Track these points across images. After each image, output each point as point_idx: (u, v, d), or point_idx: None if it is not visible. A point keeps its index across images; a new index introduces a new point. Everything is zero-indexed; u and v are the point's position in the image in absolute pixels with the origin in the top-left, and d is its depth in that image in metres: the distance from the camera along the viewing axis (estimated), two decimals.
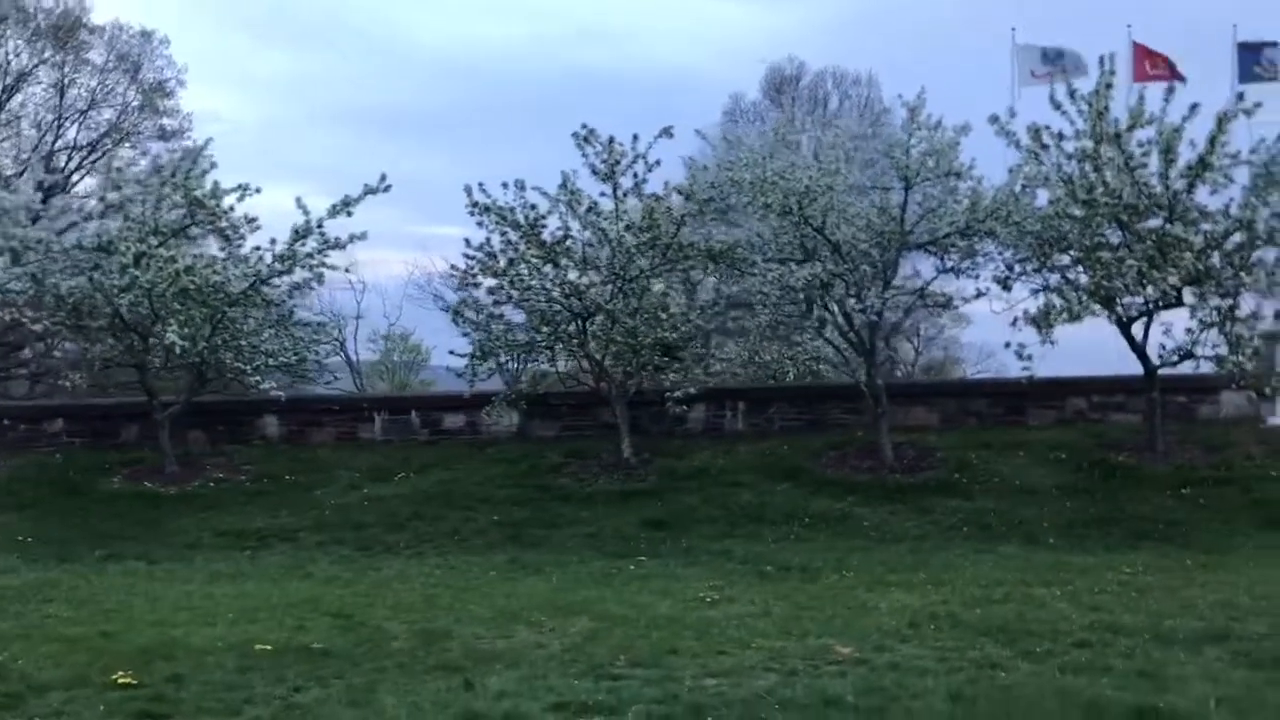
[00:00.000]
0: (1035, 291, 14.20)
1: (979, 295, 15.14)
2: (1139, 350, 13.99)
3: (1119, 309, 13.62)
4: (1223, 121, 12.58)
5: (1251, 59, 21.61)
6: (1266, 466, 13.45)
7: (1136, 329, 14.01)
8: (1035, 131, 13.87)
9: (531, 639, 7.66)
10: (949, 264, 14.87)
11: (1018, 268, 14.63)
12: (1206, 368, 14.04)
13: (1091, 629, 7.53)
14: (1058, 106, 13.89)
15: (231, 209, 14.47)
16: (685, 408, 14.13)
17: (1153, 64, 21.28)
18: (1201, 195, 13.43)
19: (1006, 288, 14.78)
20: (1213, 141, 12.64)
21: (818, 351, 14.95)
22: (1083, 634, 7.40)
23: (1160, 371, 14.37)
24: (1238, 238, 13.00)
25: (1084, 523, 12.05)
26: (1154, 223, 12.99)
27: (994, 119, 13.94)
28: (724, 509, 12.86)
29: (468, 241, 13.90)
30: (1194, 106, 12.75)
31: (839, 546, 11.41)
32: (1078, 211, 13.16)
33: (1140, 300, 13.62)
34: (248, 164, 36.06)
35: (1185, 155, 13.16)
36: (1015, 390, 16.53)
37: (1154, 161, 13.20)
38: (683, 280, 14.36)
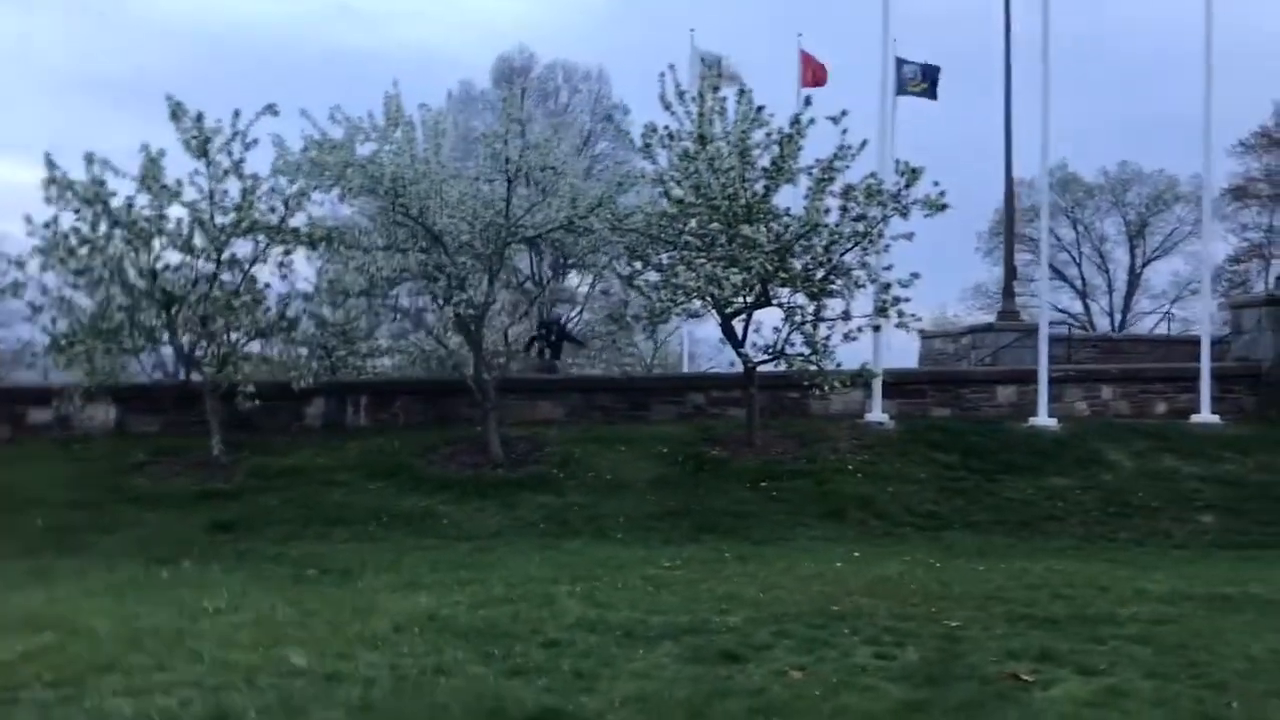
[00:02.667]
0: (646, 288, 14.34)
1: (605, 294, 15.26)
2: (737, 347, 14.36)
3: (718, 305, 13.88)
4: (796, 127, 13.02)
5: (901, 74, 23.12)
6: (848, 460, 14.11)
7: (738, 326, 14.40)
8: (647, 131, 14.02)
9: None
10: (567, 259, 14.87)
11: (638, 264, 14.79)
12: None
13: (573, 628, 7.45)
14: (667, 106, 14.11)
15: None
16: (255, 402, 13.35)
17: (816, 72, 22.46)
18: (794, 200, 14.00)
19: (631, 283, 14.92)
20: (781, 146, 13.08)
21: (423, 343, 14.52)
22: (559, 634, 7.30)
23: (778, 368, 14.85)
24: (821, 240, 13.49)
25: (658, 516, 12.21)
26: (745, 226, 13.31)
27: (608, 118, 14.03)
28: (304, 509, 12.28)
29: (29, 219, 12.63)
30: (760, 109, 13.17)
31: (405, 546, 11.07)
32: (672, 210, 13.37)
33: (739, 299, 13.96)
34: None
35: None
36: (640, 386, 16.89)
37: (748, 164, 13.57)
38: (279, 264, 13.59)
